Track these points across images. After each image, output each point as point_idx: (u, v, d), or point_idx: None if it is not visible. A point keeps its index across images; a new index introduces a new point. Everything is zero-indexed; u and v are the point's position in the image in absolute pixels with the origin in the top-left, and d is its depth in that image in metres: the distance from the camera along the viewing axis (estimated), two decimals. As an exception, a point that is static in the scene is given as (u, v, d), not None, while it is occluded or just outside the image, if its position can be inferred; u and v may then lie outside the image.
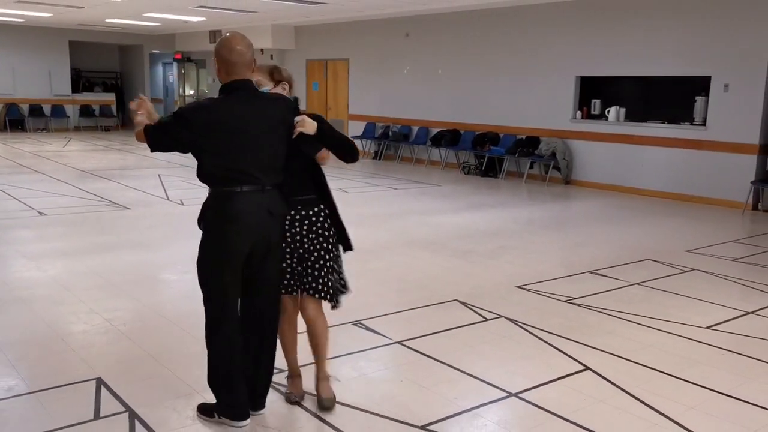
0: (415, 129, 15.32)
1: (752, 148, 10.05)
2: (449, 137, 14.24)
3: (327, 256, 3.36)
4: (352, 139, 3.31)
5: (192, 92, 24.58)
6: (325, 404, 3.41)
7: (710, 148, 10.47)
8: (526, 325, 4.82)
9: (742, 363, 4.25)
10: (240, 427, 3.20)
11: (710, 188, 10.48)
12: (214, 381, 3.25)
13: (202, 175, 3.14)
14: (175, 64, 24.44)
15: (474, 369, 4.01)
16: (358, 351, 4.27)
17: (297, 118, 3.18)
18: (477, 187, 11.79)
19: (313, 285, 3.34)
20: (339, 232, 3.42)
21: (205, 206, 3.17)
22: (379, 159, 15.71)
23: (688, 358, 4.28)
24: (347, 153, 3.32)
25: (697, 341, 4.58)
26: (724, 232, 8.38)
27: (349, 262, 6.23)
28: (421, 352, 4.26)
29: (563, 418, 3.45)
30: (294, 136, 3.17)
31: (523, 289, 5.74)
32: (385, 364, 4.11)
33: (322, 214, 3.36)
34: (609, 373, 4.00)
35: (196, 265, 3.20)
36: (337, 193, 10.19)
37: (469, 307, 5.18)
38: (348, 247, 3.49)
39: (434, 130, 14.71)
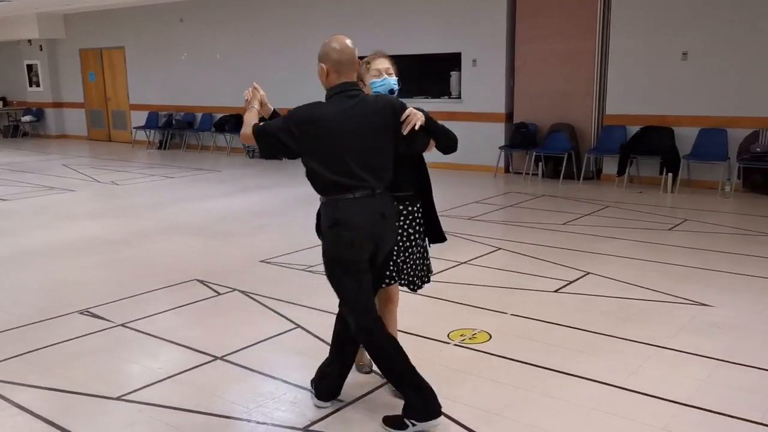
0: (199, 116, 15.20)
1: (500, 117, 11.09)
2: (233, 122, 14.26)
3: (419, 249, 3.41)
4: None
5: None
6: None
7: (466, 118, 11.37)
8: (257, 294, 5.12)
9: (437, 306, 4.82)
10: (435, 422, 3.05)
11: (468, 156, 11.38)
12: (400, 387, 3.13)
13: (313, 182, 3.05)
14: (-66, 60, 22.18)
15: (188, 340, 4.23)
16: (79, 337, 4.33)
17: (406, 112, 2.99)
18: (258, 171, 11.98)
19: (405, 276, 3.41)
20: (433, 226, 3.46)
21: (319, 215, 3.11)
22: (165, 148, 15.42)
23: (390, 308, 4.76)
24: (451, 145, 3.18)
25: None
26: (472, 194, 9.22)
27: (94, 252, 6.23)
28: (139, 330, 4.41)
29: (260, 372, 3.78)
30: (405, 133, 2.98)
31: (266, 262, 6.04)
32: (100, 345, 4.21)
33: (417, 211, 3.39)
34: (316, 329, 4.39)
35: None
36: (107, 186, 9.97)
37: (206, 285, 5.39)
38: (439, 239, 3.50)
39: (218, 116, 14.67)
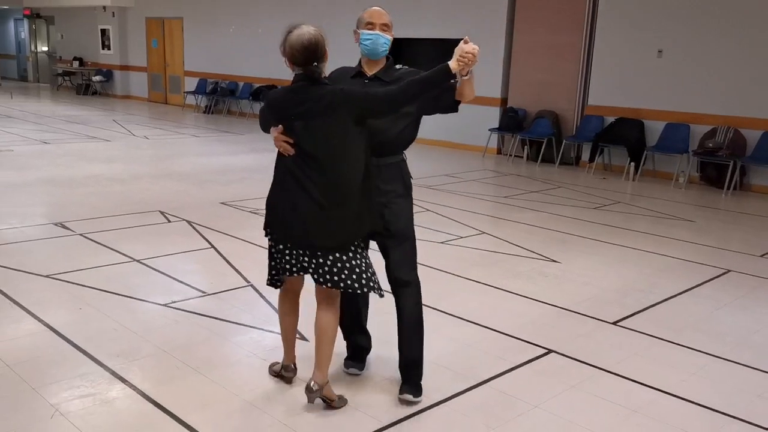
0: (241, 84, 16.55)
1: (496, 101, 11.92)
2: (267, 92, 15.57)
3: None
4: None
5: (45, 48, 24.74)
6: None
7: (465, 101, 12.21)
8: (198, 224, 6.30)
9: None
10: None
11: (464, 136, 12.32)
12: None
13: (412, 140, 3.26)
14: (25, 21, 24.51)
15: (122, 247, 5.44)
16: (43, 238, 5.63)
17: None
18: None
19: None
20: None
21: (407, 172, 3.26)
22: (209, 113, 16.86)
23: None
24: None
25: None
26: (450, 168, 10.15)
27: (90, 185, 7.54)
28: (91, 239, 5.66)
29: (155, 269, 4.95)
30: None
31: (225, 204, 7.22)
32: (56, 245, 5.48)
33: None
34: (224, 249, 5.52)
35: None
36: (138, 139, 11.35)
37: (165, 215, 6.61)
38: None
39: (256, 86, 15.98)
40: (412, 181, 3.34)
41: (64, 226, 6.02)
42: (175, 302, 4.37)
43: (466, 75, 2.98)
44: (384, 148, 3.17)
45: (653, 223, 7.14)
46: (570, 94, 10.96)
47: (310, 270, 3.04)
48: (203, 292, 4.58)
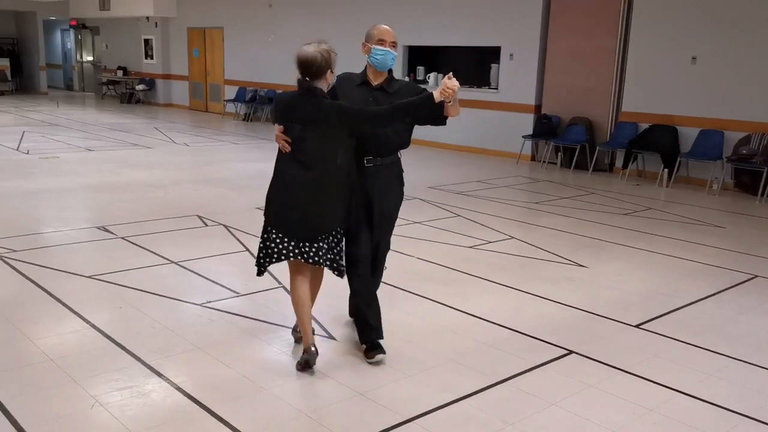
0: (280, 93, 16.84)
1: (530, 108, 11.98)
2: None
3: None
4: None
5: (90, 58, 25.48)
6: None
7: (500, 108, 12.34)
8: (234, 228, 6.52)
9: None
10: None
11: (498, 142, 12.39)
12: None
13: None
14: (72, 31, 25.29)
15: (161, 250, 5.68)
16: (86, 241, 5.91)
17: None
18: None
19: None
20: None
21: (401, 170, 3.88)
22: (248, 121, 17.21)
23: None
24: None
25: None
26: (482, 175, 10.25)
27: (132, 191, 7.83)
28: (132, 242, 5.91)
29: (198, 274, 5.16)
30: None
31: (260, 209, 7.39)
32: (98, 247, 5.75)
33: None
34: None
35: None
36: (178, 146, 11.67)
37: (202, 219, 6.85)
38: None
39: (293, 94, 16.24)
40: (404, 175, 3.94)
41: (106, 230, 6.30)
42: (210, 302, 4.57)
43: (450, 102, 3.44)
44: (388, 150, 3.77)
45: (683, 229, 7.15)
46: (604, 100, 10.97)
47: (311, 253, 3.51)
48: (237, 292, 4.77)
